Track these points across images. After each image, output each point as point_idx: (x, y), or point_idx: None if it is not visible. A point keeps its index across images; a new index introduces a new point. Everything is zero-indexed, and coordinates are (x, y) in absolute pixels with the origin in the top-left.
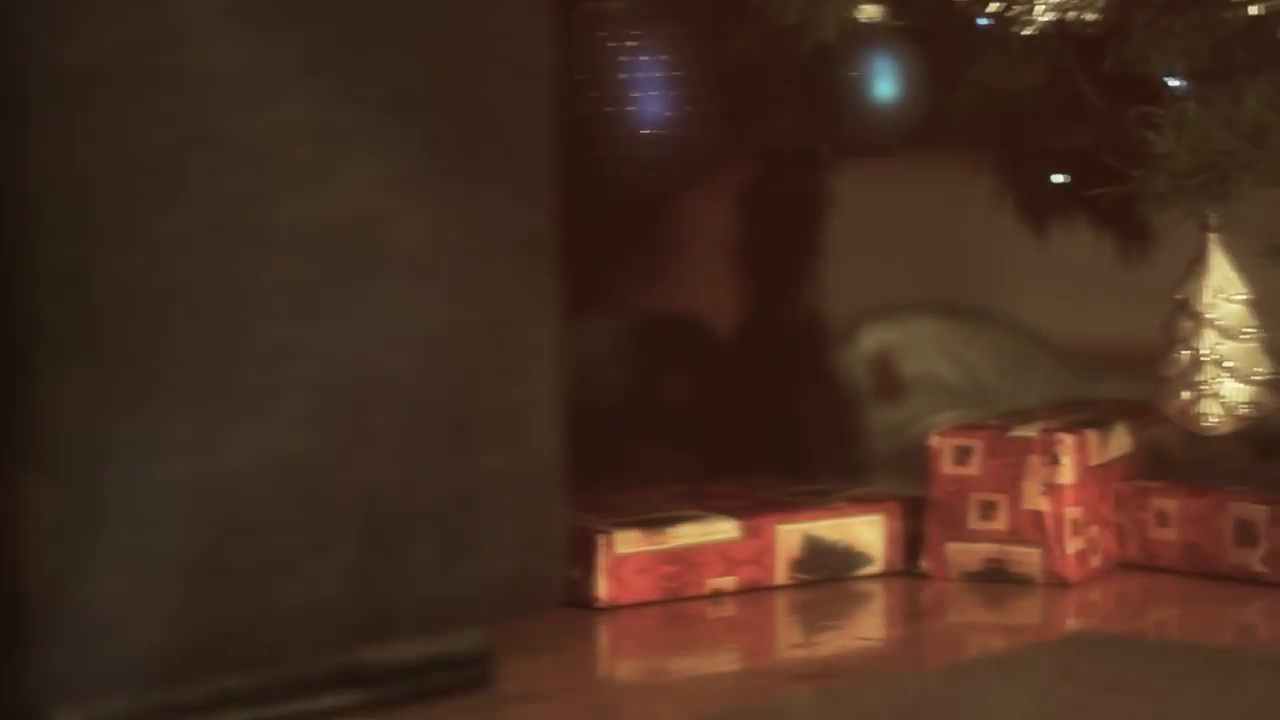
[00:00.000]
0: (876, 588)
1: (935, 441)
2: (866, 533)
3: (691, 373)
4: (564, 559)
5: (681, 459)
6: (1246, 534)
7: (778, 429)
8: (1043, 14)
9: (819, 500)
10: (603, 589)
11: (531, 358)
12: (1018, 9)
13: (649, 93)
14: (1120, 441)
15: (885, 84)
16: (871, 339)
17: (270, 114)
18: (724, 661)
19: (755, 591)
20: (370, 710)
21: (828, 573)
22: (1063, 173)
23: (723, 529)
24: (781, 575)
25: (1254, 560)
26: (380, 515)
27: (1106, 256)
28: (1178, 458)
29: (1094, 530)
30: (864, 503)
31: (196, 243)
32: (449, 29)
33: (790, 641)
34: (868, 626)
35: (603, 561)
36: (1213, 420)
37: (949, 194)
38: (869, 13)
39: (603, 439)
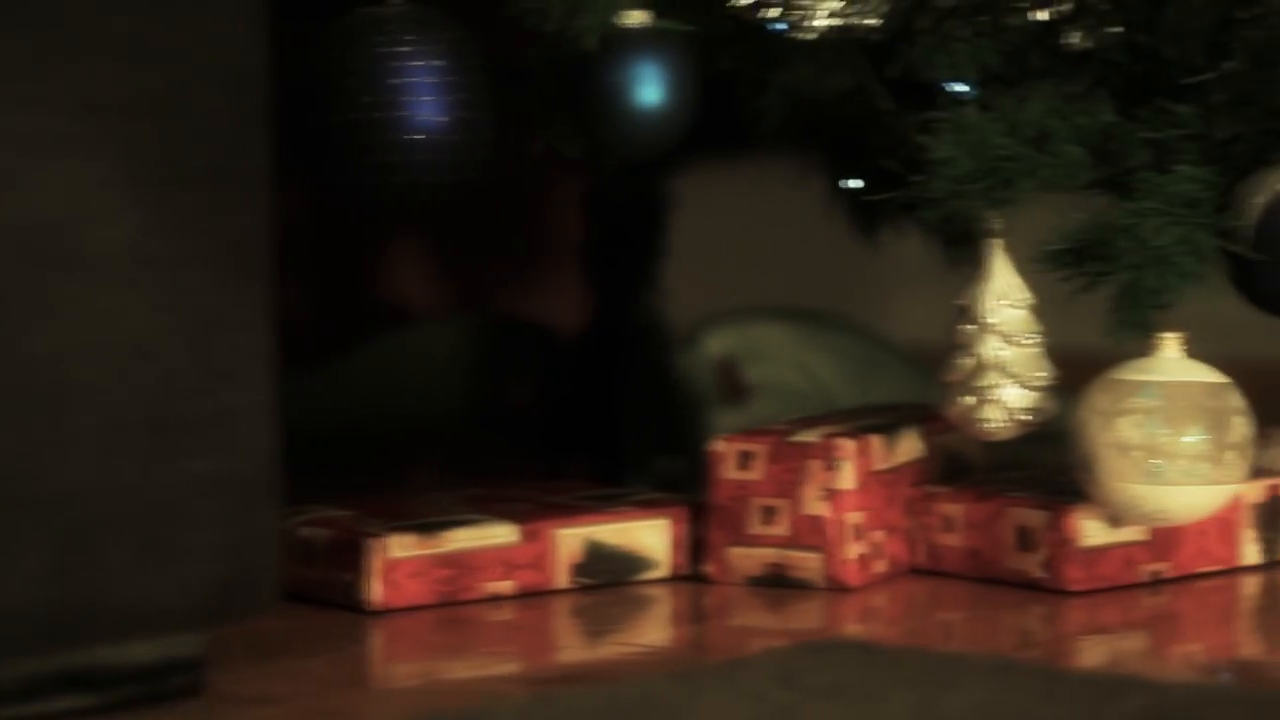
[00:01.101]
0: (659, 592)
1: (718, 446)
2: (650, 537)
3: (533, 378)
4: (276, 563)
5: (522, 463)
6: (1026, 539)
7: (618, 434)
8: (823, 19)
9: (603, 504)
10: (375, 592)
11: (239, 362)
12: (798, 14)
13: (423, 98)
14: (910, 446)
15: (651, 89)
16: (716, 344)
17: None
18: (487, 665)
19: (535, 596)
20: (101, 713)
21: (610, 577)
22: (867, 177)
23: (500, 533)
24: (562, 580)
25: (1033, 566)
26: (78, 519)
27: (937, 259)
28: (975, 463)
29: (878, 535)
30: (648, 507)
31: None
32: (149, 34)
33: (564, 646)
34: (645, 631)
35: (375, 565)
36: (994, 425)
37: (788, 198)
38: (635, 18)
39: (442, 442)
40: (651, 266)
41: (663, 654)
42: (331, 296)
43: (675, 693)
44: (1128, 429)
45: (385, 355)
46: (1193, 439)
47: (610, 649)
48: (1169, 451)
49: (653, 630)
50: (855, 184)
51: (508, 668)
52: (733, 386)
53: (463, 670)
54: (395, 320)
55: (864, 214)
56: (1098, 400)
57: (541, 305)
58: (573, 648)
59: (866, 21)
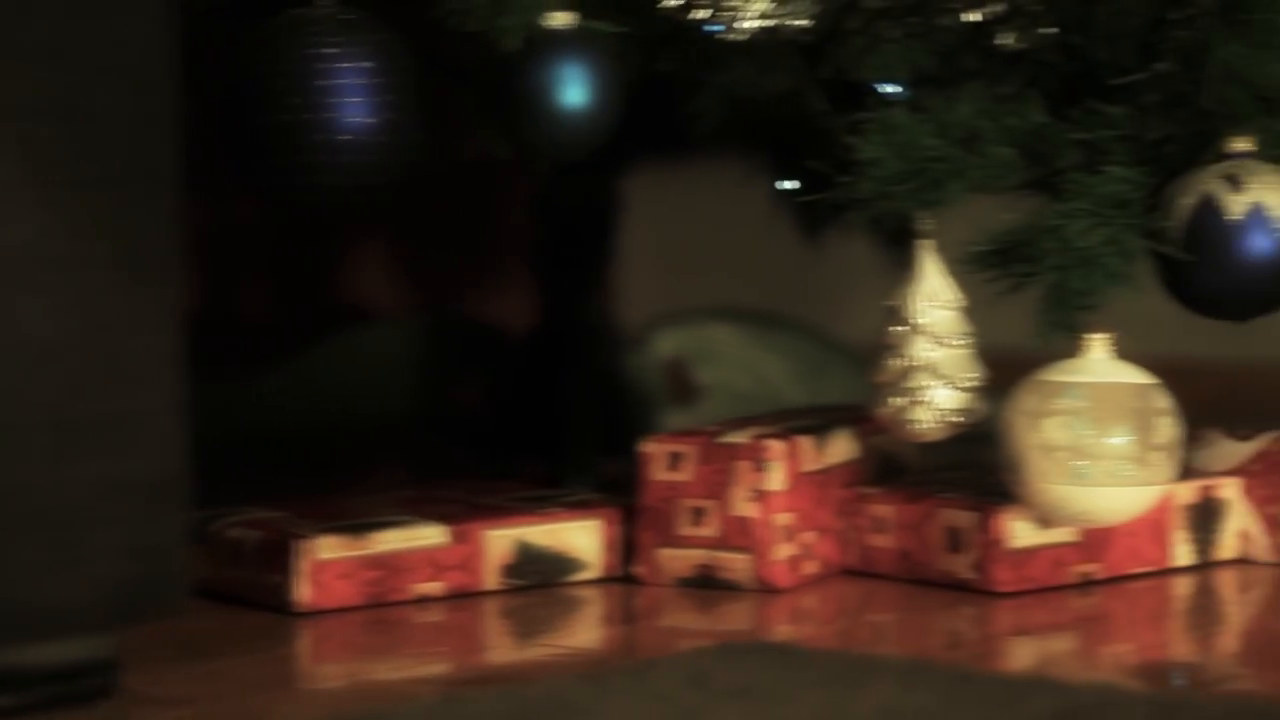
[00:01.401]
0: (590, 593)
1: (648, 447)
2: (581, 538)
3: (482, 379)
4: (186, 564)
5: (472, 464)
6: (956, 541)
7: (567, 434)
8: (753, 20)
9: (534, 506)
10: (303, 594)
11: (146, 365)
12: (728, 15)
13: (350, 99)
14: (842, 448)
15: (574, 91)
16: (665, 345)
17: None
18: (413, 666)
19: (464, 597)
20: (13, 715)
21: (540, 578)
22: (804, 178)
23: (429, 534)
24: (492, 581)
25: (963, 567)
26: None
27: (885, 259)
28: (911, 464)
29: (809, 536)
30: (579, 508)
31: None
32: (53, 38)
33: (491, 647)
34: (574, 633)
35: (303, 566)
36: (924, 427)
37: (738, 200)
38: (560, 19)
39: (393, 443)
40: (601, 268)
41: (589, 656)
42: (281, 298)
43: (584, 694)
44: (1053, 430)
45: (335, 356)
46: (1118, 440)
47: (538, 651)
48: (1094, 453)
49: (582, 632)
50: (791, 185)
51: (433, 669)
52: (682, 387)
53: (388, 672)
54: (345, 322)
55: (809, 215)
56: (1024, 401)
57: (491, 306)
58: (500, 649)
59: (796, 23)
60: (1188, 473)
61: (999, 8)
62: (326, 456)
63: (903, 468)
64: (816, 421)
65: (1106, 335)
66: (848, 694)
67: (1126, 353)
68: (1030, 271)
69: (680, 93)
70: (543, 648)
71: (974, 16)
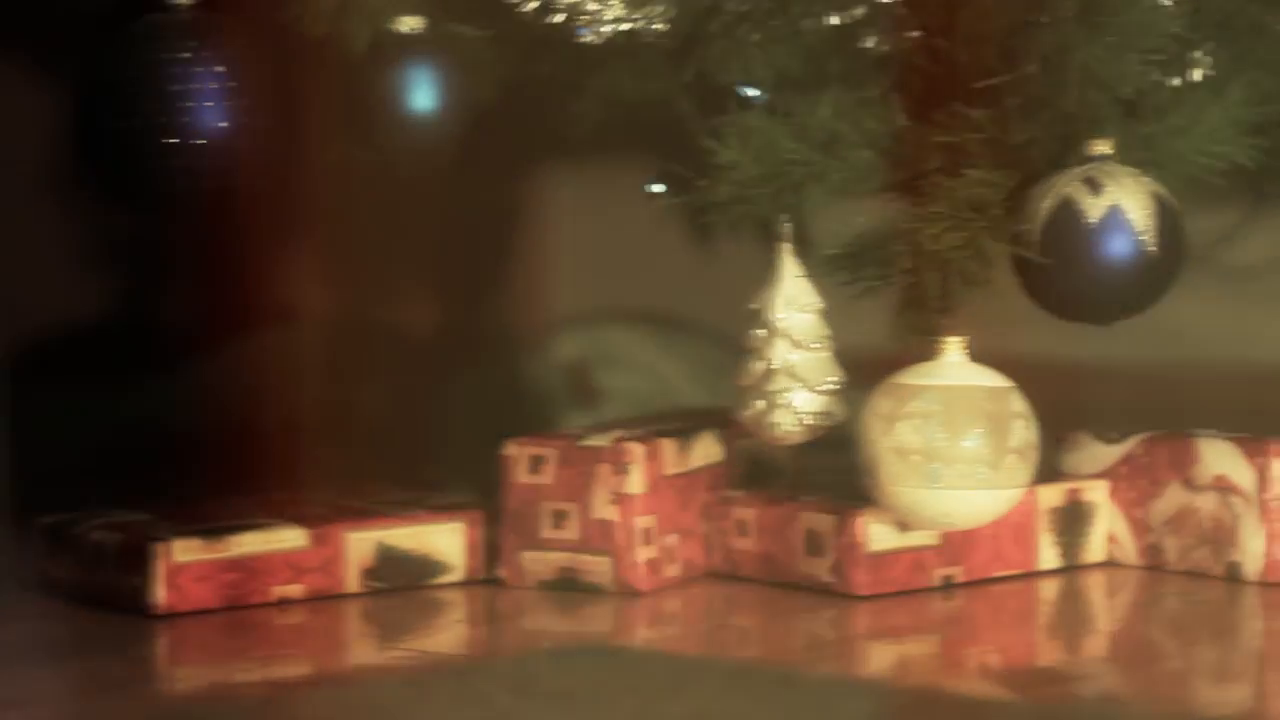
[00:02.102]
0: (453, 596)
1: (511, 451)
2: (444, 541)
3: (380, 382)
4: None
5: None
6: (815, 544)
7: (466, 437)
8: (608, 24)
9: (398, 509)
10: (160, 596)
11: None
12: (584, 19)
13: (203, 104)
14: (707, 450)
15: (422, 95)
16: (566, 349)
17: None
18: (261, 669)
19: (325, 600)
20: None
21: (403, 581)
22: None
23: (288, 537)
24: (353, 583)
25: (822, 570)
26: None
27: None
28: (782, 467)
29: (671, 540)
30: (443, 511)
31: None
32: None
33: (348, 649)
34: (434, 635)
35: (159, 569)
36: (784, 430)
37: (639, 203)
38: (410, 24)
39: (292, 446)
40: (502, 272)
41: (446, 658)
42: (181, 302)
43: (403, 697)
44: (907, 433)
45: (235, 359)
46: (971, 443)
47: (394, 653)
48: (947, 456)
49: (441, 634)
50: (659, 188)
51: (287, 671)
52: (583, 390)
53: (241, 673)
54: (244, 325)
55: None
56: (879, 405)
57: (390, 310)
58: (358, 651)
59: (654, 26)
60: (1055, 475)
61: (859, 11)
62: (221, 460)
63: (775, 470)
64: (683, 425)
65: (962, 338)
66: (666, 698)
67: (994, 355)
68: (882, 275)
69: (555, 96)
70: (400, 650)
71: (836, 20)
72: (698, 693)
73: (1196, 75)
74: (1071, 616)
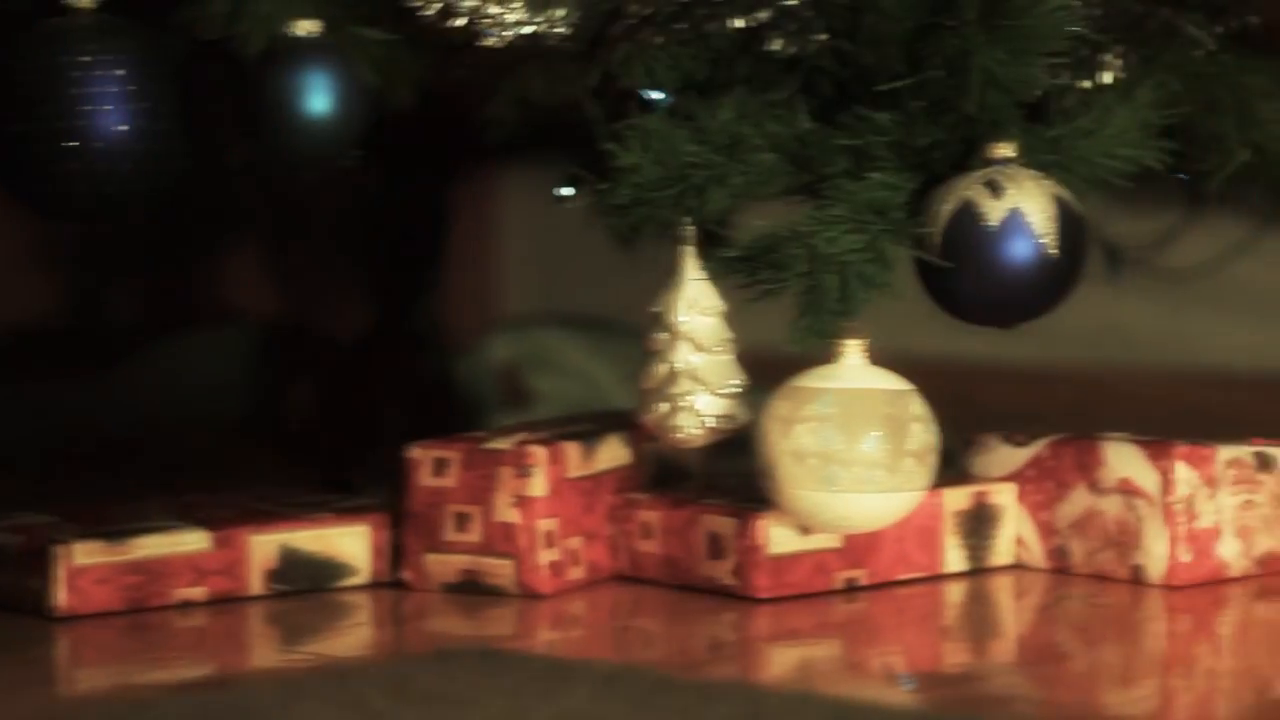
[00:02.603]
0: (358, 599)
1: (414, 453)
2: (349, 544)
3: (311, 385)
4: None
5: (300, 471)
6: (717, 547)
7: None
8: (510, 29)
9: (303, 511)
10: (60, 599)
11: None
12: (485, 23)
13: (104, 107)
14: (613, 453)
15: (317, 99)
16: (498, 351)
17: None
18: (163, 671)
19: (229, 603)
20: None
21: (307, 584)
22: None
23: (191, 540)
24: (257, 586)
25: (724, 573)
26: None
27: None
28: (691, 469)
29: (574, 543)
30: (348, 514)
31: None
32: None
33: (249, 653)
34: (337, 638)
35: (60, 572)
36: (687, 433)
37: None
38: (304, 27)
39: (218, 449)
40: (432, 274)
41: (347, 662)
42: (94, 304)
43: (273, 700)
44: (804, 436)
45: (153, 361)
46: (868, 447)
47: (295, 656)
48: (844, 459)
49: (342, 637)
50: (567, 192)
51: (186, 674)
52: (515, 394)
53: (139, 676)
54: (171, 327)
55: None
56: (778, 407)
57: (320, 313)
58: (260, 655)
59: (557, 30)
60: (962, 478)
61: (765, 14)
62: (127, 463)
63: (682, 474)
64: (590, 427)
65: (861, 341)
66: (537, 701)
67: (899, 357)
68: (778, 279)
69: (470, 99)
70: (297, 654)
71: (740, 23)
72: (571, 695)
73: (1106, 78)
74: (976, 619)
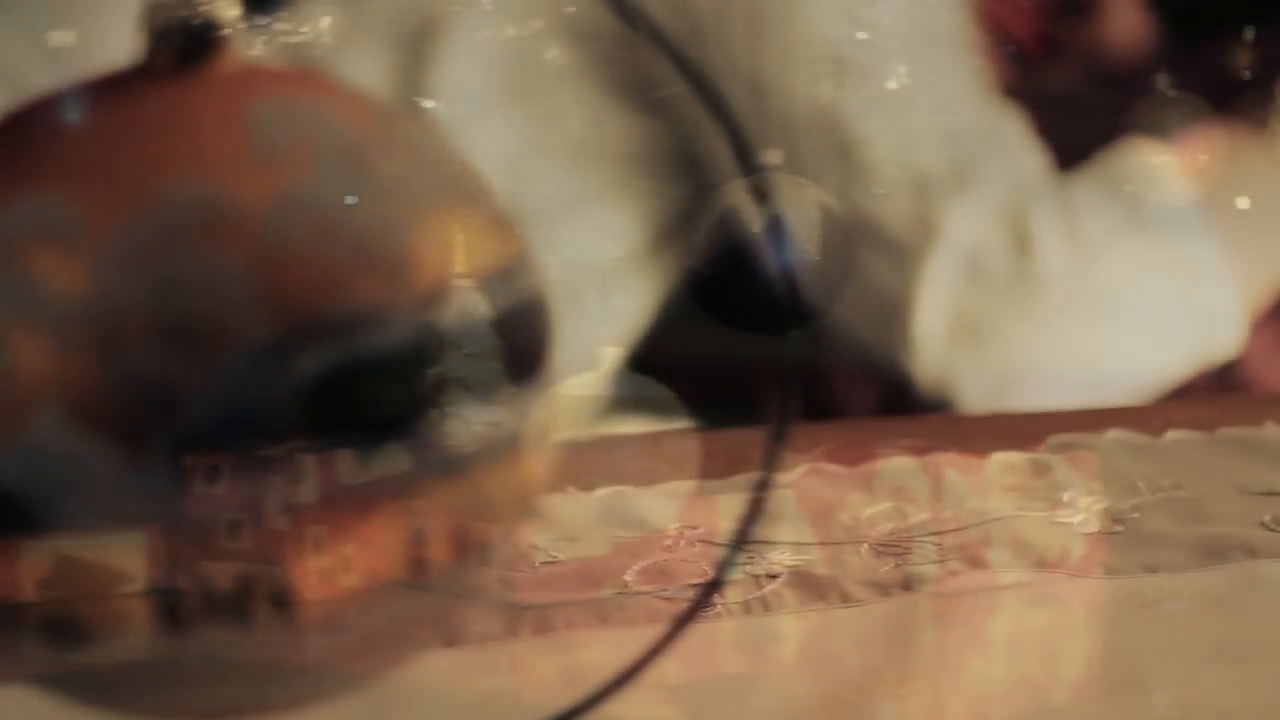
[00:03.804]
0: (133, 606)
1: (187, 461)
2: (124, 551)
3: None
4: None
5: None
6: (486, 554)
7: None
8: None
9: (73, 519)
10: None
11: None
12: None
13: None
14: (394, 460)
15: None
16: None
17: None
18: None
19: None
20: None
21: (81, 591)
22: None
23: None
24: (29, 593)
25: (492, 580)
26: None
27: None
28: None
29: (349, 549)
30: (124, 521)
31: None
32: None
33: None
34: (99, 645)
35: None
36: (454, 440)
37: None
38: (57, 40)
39: None
40: None
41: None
42: None
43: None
44: None
45: None
46: None
47: (49, 666)
48: None
49: (109, 645)
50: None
51: None
52: None
53: None
54: None
55: None
56: (538, 416)
57: None
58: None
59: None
60: None
61: (539, 24)
62: None
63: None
64: (368, 435)
65: (621, 348)
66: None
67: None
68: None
69: None
70: (58, 663)
71: (513, 32)
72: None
73: (891, 85)
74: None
